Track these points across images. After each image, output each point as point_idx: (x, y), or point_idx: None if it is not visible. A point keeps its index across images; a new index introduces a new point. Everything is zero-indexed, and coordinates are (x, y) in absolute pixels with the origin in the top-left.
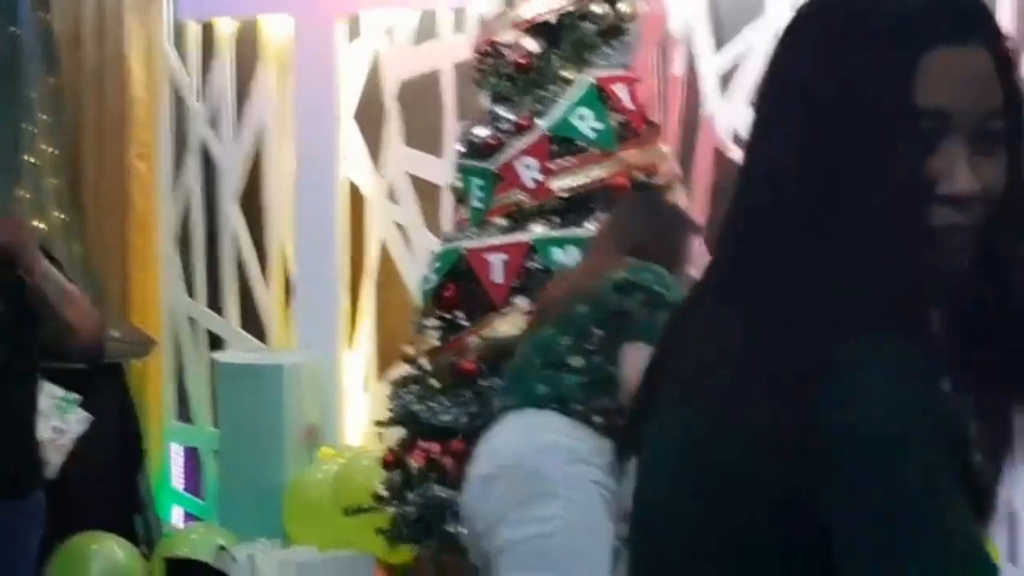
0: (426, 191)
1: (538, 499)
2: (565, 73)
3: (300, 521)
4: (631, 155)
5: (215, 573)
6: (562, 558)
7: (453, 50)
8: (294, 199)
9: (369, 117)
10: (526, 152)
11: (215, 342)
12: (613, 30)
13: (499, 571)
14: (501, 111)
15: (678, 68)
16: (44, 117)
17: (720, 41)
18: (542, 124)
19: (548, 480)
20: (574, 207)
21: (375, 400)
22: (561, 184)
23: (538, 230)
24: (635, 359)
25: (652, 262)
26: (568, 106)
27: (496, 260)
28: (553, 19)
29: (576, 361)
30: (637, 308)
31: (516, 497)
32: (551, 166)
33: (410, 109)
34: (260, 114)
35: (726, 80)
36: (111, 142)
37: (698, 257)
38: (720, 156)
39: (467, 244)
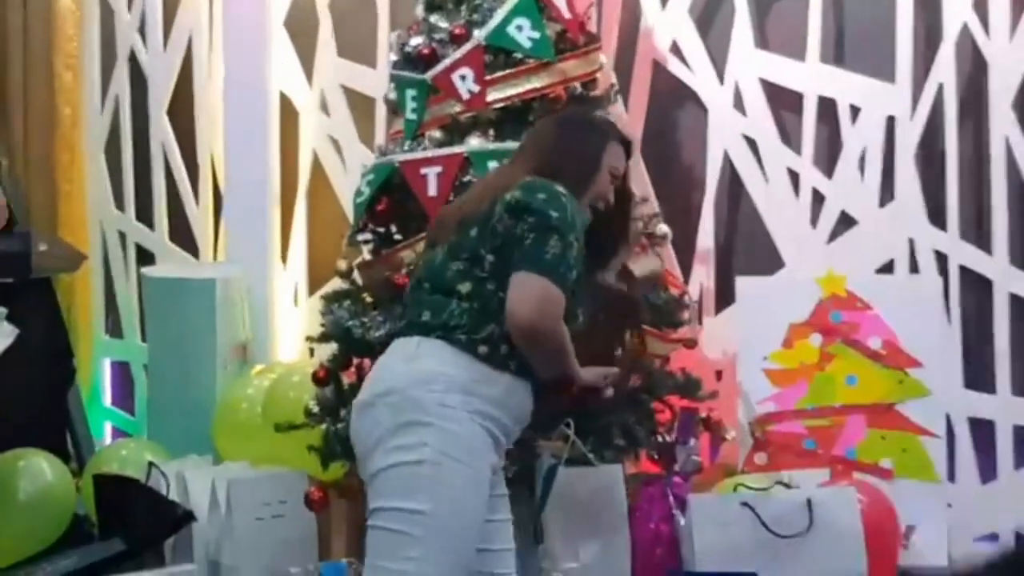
0: (359, 103)
1: (409, 427)
2: None
3: (231, 437)
4: (568, 66)
5: (145, 490)
6: (428, 486)
7: None
8: (224, 110)
9: (300, 26)
10: (461, 63)
11: (144, 255)
12: None
13: (369, 499)
14: (436, 20)
15: None
16: None
17: None
18: (478, 34)
19: (421, 409)
20: (510, 119)
21: (307, 315)
22: (497, 95)
23: (474, 142)
24: (519, 288)
25: (560, 178)
26: (504, 15)
27: (431, 173)
28: None
29: (465, 287)
30: (524, 232)
31: (388, 425)
32: (487, 77)
33: (343, 18)
34: (189, 23)
35: None
36: (38, 52)
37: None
38: (658, 68)
39: (401, 157)
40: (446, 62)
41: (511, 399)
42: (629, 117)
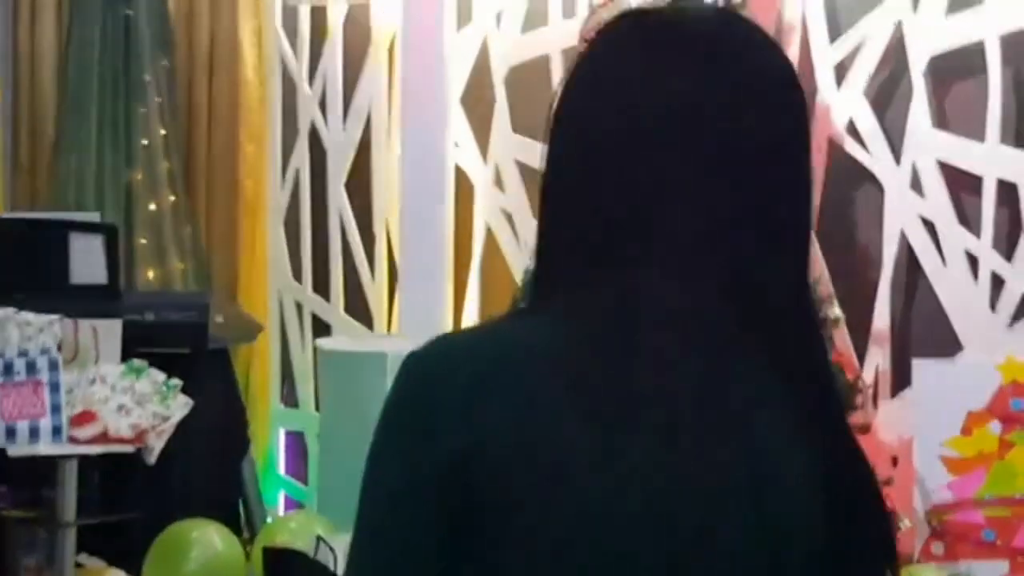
0: (533, 178)
1: None
2: None
3: None
4: None
5: (312, 563)
6: None
7: (562, 36)
8: (400, 184)
9: (477, 102)
10: None
11: (321, 326)
12: None
13: None
14: None
15: (792, 56)
16: (157, 99)
17: (835, 31)
18: None
19: None
20: None
21: None
22: None
23: None
24: None
25: None
26: None
27: None
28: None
29: None
30: None
31: None
32: None
33: (518, 95)
34: (368, 98)
35: (841, 71)
36: (222, 125)
37: None
38: (834, 147)
39: None
40: None
41: None
42: None
